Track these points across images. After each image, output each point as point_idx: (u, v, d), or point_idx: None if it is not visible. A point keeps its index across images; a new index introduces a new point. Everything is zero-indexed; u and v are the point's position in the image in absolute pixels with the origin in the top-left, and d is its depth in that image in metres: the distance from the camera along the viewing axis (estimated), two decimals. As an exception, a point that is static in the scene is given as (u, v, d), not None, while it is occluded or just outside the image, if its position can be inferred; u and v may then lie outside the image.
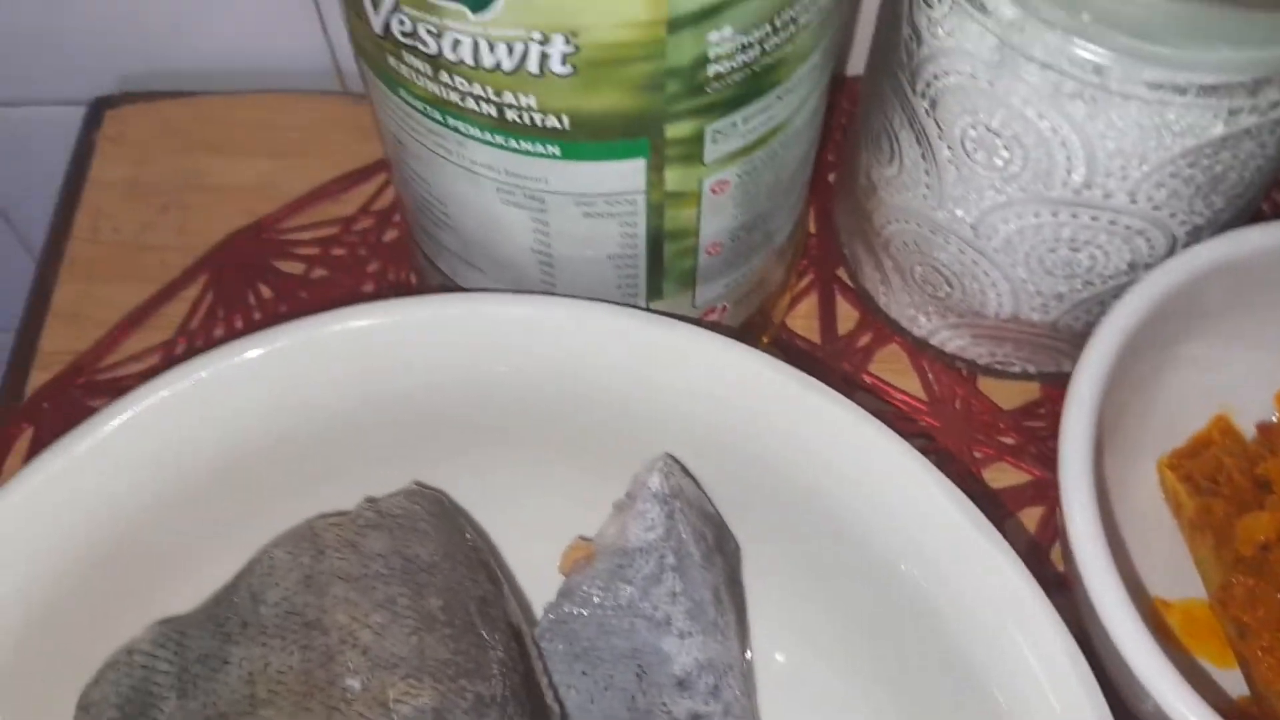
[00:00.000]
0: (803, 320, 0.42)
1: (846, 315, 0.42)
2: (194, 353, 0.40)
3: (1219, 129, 0.29)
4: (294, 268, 0.43)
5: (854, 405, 0.30)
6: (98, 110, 0.47)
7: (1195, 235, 0.33)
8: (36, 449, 0.39)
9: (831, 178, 0.44)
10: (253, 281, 0.42)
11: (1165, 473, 0.36)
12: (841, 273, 0.43)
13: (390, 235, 0.43)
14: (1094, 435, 0.31)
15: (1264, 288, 0.35)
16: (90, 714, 0.28)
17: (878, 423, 0.30)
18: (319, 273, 0.43)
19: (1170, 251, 0.33)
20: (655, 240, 0.31)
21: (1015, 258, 0.35)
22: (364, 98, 0.47)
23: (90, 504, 0.29)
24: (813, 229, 0.44)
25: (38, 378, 0.41)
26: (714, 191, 0.30)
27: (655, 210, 0.30)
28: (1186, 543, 0.35)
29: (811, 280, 0.42)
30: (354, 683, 0.27)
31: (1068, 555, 0.31)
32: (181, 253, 0.43)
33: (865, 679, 0.32)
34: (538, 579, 0.34)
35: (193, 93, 0.47)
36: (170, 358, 0.41)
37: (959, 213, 0.34)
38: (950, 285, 0.37)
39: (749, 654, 0.33)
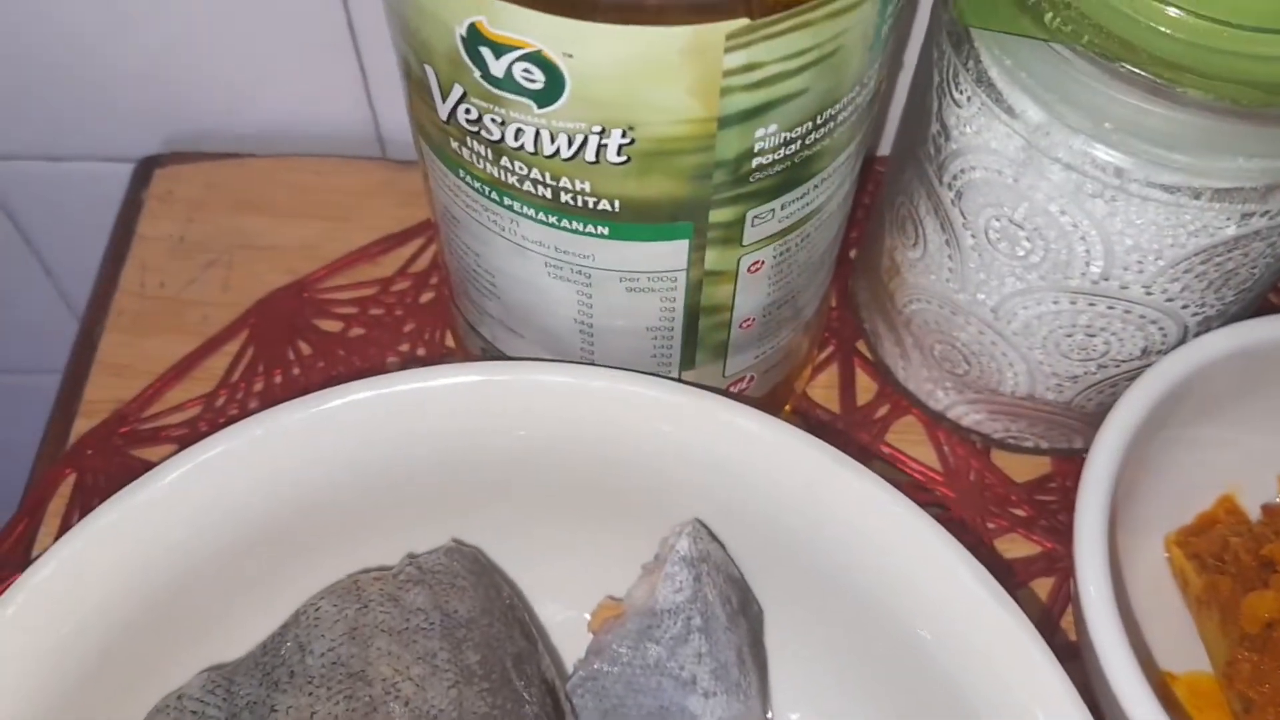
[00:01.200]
0: (823, 390, 0.43)
1: (865, 387, 0.43)
2: (234, 405, 0.42)
3: (1231, 230, 0.31)
4: (332, 326, 0.44)
5: (875, 476, 0.31)
6: (147, 168, 0.48)
7: (1205, 324, 0.35)
8: (79, 494, 0.40)
9: (853, 254, 0.46)
10: (292, 338, 0.44)
11: (1173, 550, 0.37)
12: (861, 345, 0.44)
13: (426, 297, 0.45)
14: (1108, 510, 0.32)
15: (1269, 376, 0.36)
16: (142, 762, 0.29)
17: (898, 494, 0.31)
18: (357, 331, 0.44)
19: (1182, 339, 0.35)
20: (692, 315, 0.33)
21: (1033, 341, 0.36)
22: (405, 165, 0.49)
23: (145, 554, 0.30)
24: (834, 302, 0.45)
25: (81, 425, 0.42)
26: (750, 271, 0.32)
27: (694, 287, 0.31)
28: (1193, 618, 0.36)
29: (832, 352, 0.44)
30: (397, 734, 0.29)
31: (1080, 624, 0.32)
32: (225, 308, 0.45)
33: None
34: (569, 637, 0.35)
35: (239, 155, 0.48)
36: (211, 409, 0.42)
37: (980, 296, 0.36)
38: (969, 363, 0.39)
39: (770, 714, 0.34)
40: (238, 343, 0.44)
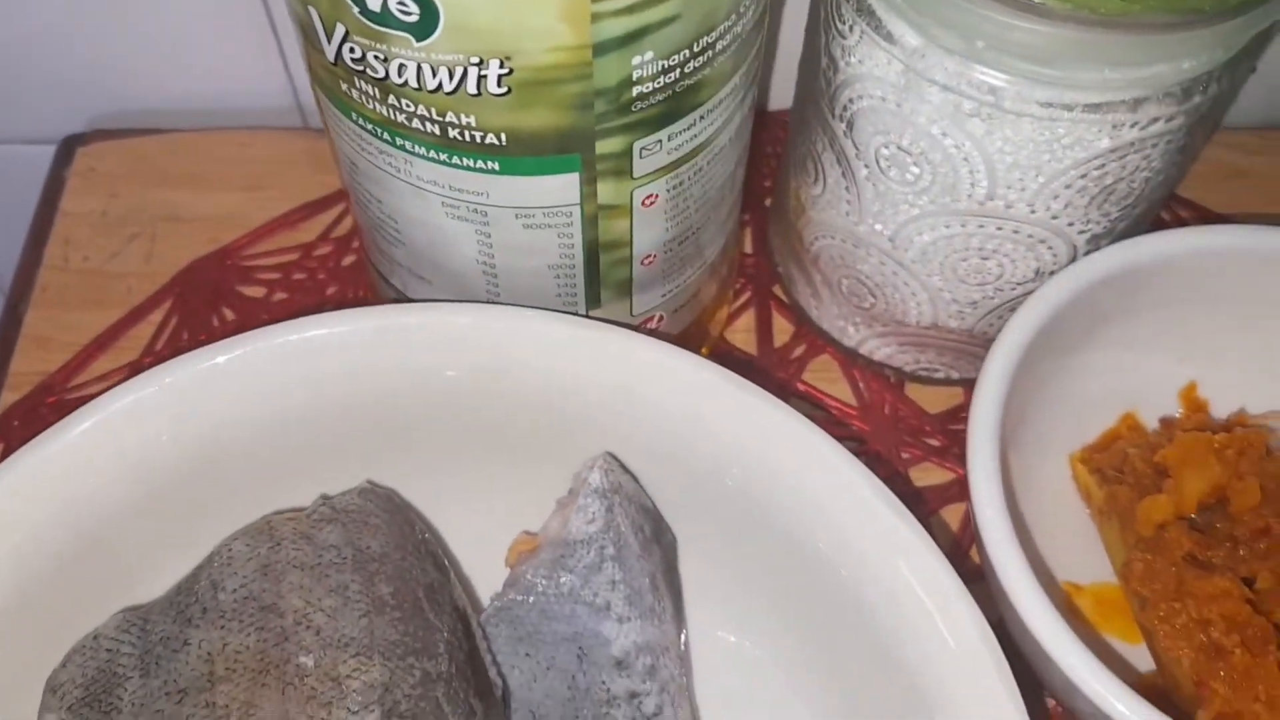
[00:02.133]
0: (741, 334, 0.44)
1: (782, 329, 0.44)
2: (160, 370, 0.42)
3: (1105, 142, 0.32)
4: (256, 292, 0.45)
5: (783, 404, 0.32)
6: (69, 147, 0.49)
7: (1095, 243, 0.36)
8: (7, 465, 0.41)
9: (768, 202, 0.47)
10: (216, 305, 0.44)
11: (1077, 466, 0.38)
12: (777, 290, 0.45)
13: (348, 260, 0.46)
14: (999, 429, 0.33)
15: (1162, 293, 0.37)
16: (58, 695, 0.29)
17: (804, 419, 0.32)
18: (280, 296, 0.45)
19: (1072, 259, 0.36)
20: (591, 251, 0.33)
21: (931, 267, 0.37)
22: (324, 132, 0.49)
23: (59, 502, 0.31)
24: (750, 250, 0.46)
25: (8, 398, 0.42)
26: (644, 205, 0.33)
27: (590, 222, 0.32)
28: (1097, 530, 0.37)
29: (749, 297, 0.45)
30: (307, 660, 0.29)
31: (979, 540, 0.33)
32: (148, 279, 0.45)
33: (796, 656, 0.34)
34: (486, 573, 0.36)
35: (161, 130, 0.49)
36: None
37: (878, 227, 0.37)
38: (874, 296, 0.40)
39: (685, 637, 0.35)
40: (161, 312, 0.44)
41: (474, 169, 0.30)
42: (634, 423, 0.34)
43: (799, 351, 0.44)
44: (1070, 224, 0.35)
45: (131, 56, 0.48)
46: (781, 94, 0.50)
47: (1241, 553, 0.33)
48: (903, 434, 0.42)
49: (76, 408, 0.41)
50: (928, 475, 0.41)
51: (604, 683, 0.33)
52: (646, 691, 0.33)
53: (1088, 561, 0.37)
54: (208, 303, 0.44)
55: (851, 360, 0.43)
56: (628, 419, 0.34)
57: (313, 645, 0.29)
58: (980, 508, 0.32)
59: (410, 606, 0.31)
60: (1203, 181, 0.47)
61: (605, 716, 0.32)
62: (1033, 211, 0.34)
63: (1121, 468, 0.37)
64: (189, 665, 0.29)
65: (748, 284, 0.45)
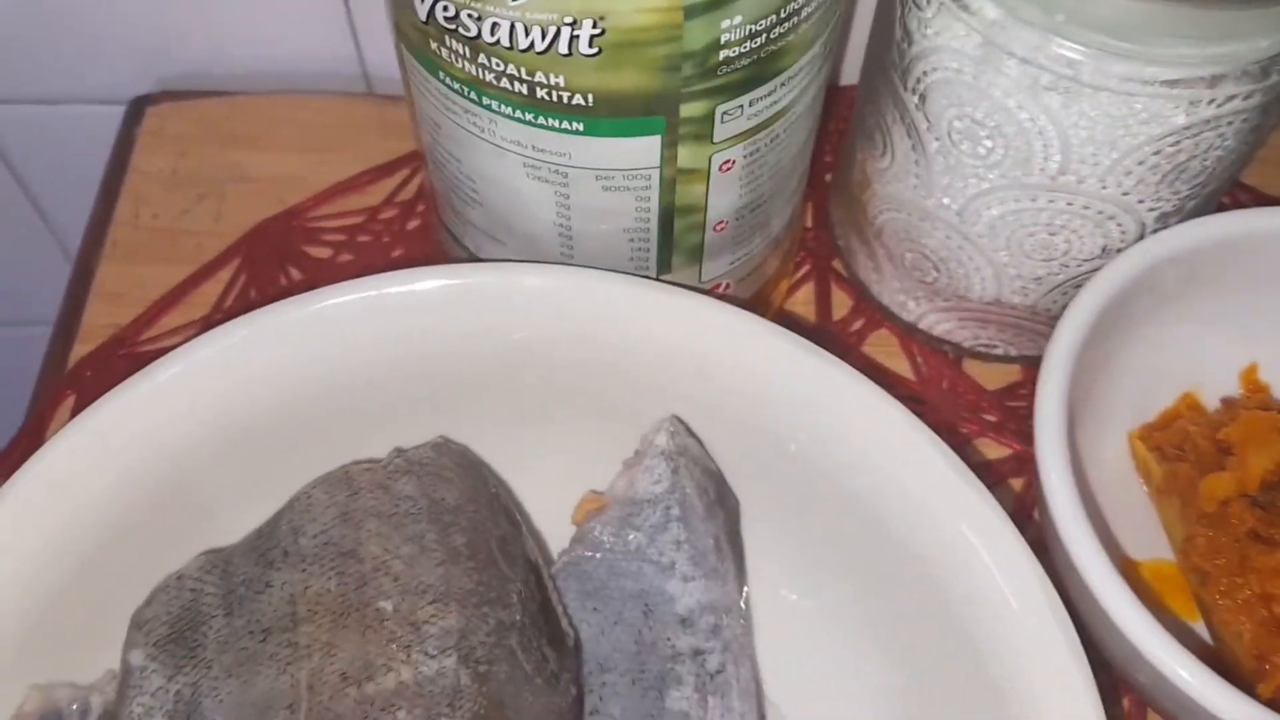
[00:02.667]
0: (800, 307, 0.45)
1: (841, 303, 0.45)
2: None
3: (1181, 119, 0.32)
4: (322, 252, 0.45)
5: (851, 368, 0.33)
6: (139, 107, 0.49)
7: (1163, 221, 0.36)
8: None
9: (828, 178, 0.47)
10: (283, 264, 0.45)
11: (1136, 444, 0.38)
12: (837, 264, 0.45)
13: (413, 224, 0.46)
14: (1066, 401, 0.34)
15: (1227, 273, 0.37)
16: (143, 631, 0.30)
17: (872, 384, 0.32)
18: (345, 257, 0.45)
19: (1140, 237, 0.36)
20: (667, 215, 0.34)
21: (997, 242, 0.37)
22: (390, 99, 0.50)
23: (144, 447, 0.32)
24: (810, 224, 0.46)
25: (79, 350, 0.43)
26: (722, 170, 0.33)
27: (668, 186, 0.33)
28: (1155, 507, 0.38)
29: (809, 271, 0.45)
30: (386, 605, 0.30)
31: (1044, 511, 0.33)
32: (217, 238, 0.46)
33: (857, 616, 0.35)
34: (553, 530, 0.36)
35: (229, 93, 0.50)
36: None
37: (946, 200, 0.37)
38: (937, 270, 0.40)
39: (747, 597, 0.36)
40: (230, 270, 0.45)
41: (558, 129, 0.31)
42: (701, 386, 0.34)
43: (858, 325, 0.44)
44: (1141, 201, 0.35)
45: (200, 20, 0.49)
46: (846, 70, 0.50)
47: (1303, 527, 0.34)
48: (960, 409, 0.42)
49: (149, 360, 0.41)
50: (985, 450, 0.41)
51: (669, 639, 0.33)
52: (710, 649, 0.33)
53: (1145, 539, 0.38)
54: (275, 262, 0.45)
55: (910, 335, 0.44)
56: (695, 382, 0.34)
57: (391, 591, 0.30)
58: (1046, 473, 0.32)
59: (484, 557, 0.32)
60: (1265, 167, 0.47)
61: (670, 672, 0.33)
62: (1104, 188, 0.34)
63: (1182, 446, 0.37)
64: (272, 606, 0.30)
65: (807, 257, 0.46)
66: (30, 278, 0.62)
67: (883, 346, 0.44)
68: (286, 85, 0.50)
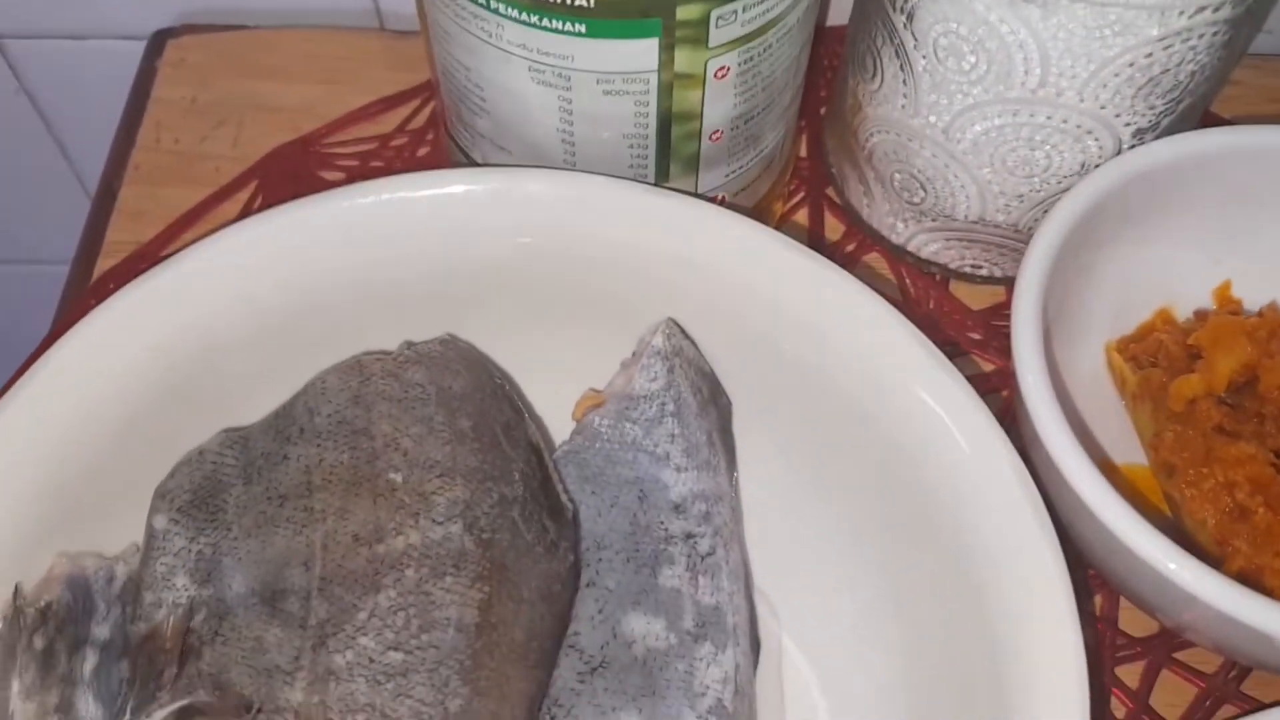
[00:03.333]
0: (793, 233, 0.46)
1: (833, 229, 0.46)
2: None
3: (1153, 30, 0.34)
4: (335, 176, 0.47)
5: (843, 271, 0.34)
6: (160, 40, 0.51)
7: (1139, 138, 0.38)
8: (103, 325, 0.43)
9: (823, 111, 0.49)
10: (298, 188, 0.47)
11: (1112, 354, 0.40)
12: (830, 192, 0.47)
13: (423, 151, 0.48)
14: (1041, 305, 0.35)
15: (1202, 191, 0.39)
16: (166, 499, 0.32)
17: (863, 285, 0.34)
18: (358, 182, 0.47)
19: (1117, 153, 0.38)
20: (664, 121, 0.36)
21: (981, 159, 0.39)
22: (401, 34, 0.52)
23: (171, 327, 0.33)
24: (805, 155, 0.48)
25: (104, 264, 0.45)
26: (717, 76, 0.35)
27: (665, 90, 0.34)
28: (1130, 414, 0.39)
29: (803, 198, 0.47)
30: (396, 477, 0.32)
31: (1020, 410, 0.35)
32: (235, 162, 0.48)
33: (841, 507, 0.36)
34: (555, 426, 0.38)
35: (247, 26, 0.51)
36: (224, 250, 0.45)
37: (932, 118, 0.39)
38: (924, 190, 0.42)
39: (737, 489, 0.38)
40: (247, 192, 0.47)
41: (562, 32, 0.33)
42: (696, 290, 0.36)
43: (849, 248, 0.46)
44: (1117, 115, 0.37)
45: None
46: (837, 11, 0.52)
47: (1269, 427, 0.35)
48: (946, 328, 0.44)
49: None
50: (968, 367, 0.43)
51: (663, 523, 0.35)
52: (701, 534, 0.35)
53: (1122, 446, 0.40)
54: (289, 185, 0.47)
55: (899, 258, 0.45)
56: (691, 286, 0.36)
57: (401, 465, 0.32)
58: (1023, 376, 0.34)
59: (489, 439, 0.34)
60: (1244, 105, 0.49)
61: (663, 552, 0.35)
62: (1081, 100, 0.36)
63: (1156, 355, 0.39)
64: (288, 475, 0.32)
65: (801, 185, 0.47)
66: (53, 216, 0.64)
67: (873, 269, 0.45)
68: (303, 20, 0.52)
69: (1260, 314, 0.39)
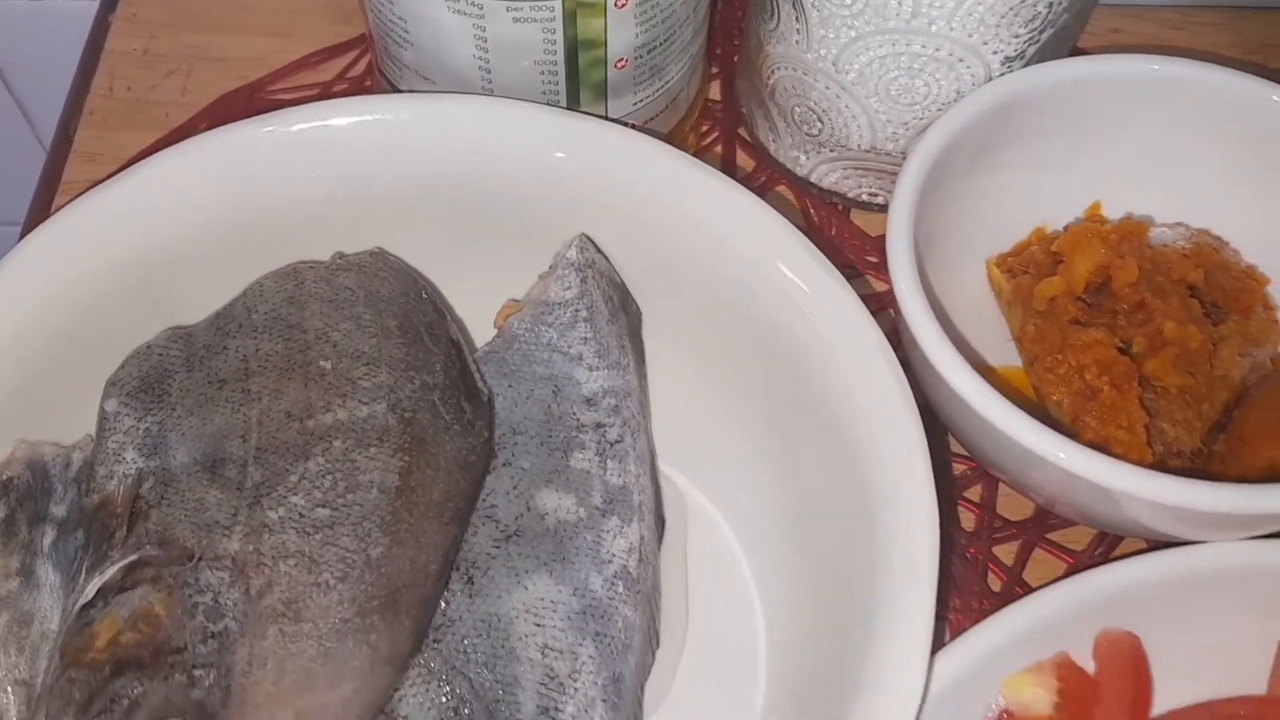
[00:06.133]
0: (708, 168, 0.50)
1: (745, 165, 0.50)
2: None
3: (1009, -39, 0.38)
4: (280, 121, 0.50)
5: (749, 192, 0.38)
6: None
7: (1008, 66, 0.41)
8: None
9: (736, 59, 0.53)
10: (245, 132, 0.50)
11: (991, 268, 0.44)
12: (742, 132, 0.51)
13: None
14: (912, 218, 0.39)
15: (1071, 117, 0.43)
16: (117, 386, 0.35)
17: (767, 207, 0.37)
18: (301, 126, 0.50)
19: (989, 80, 0.42)
20: (571, 48, 0.39)
21: (868, 89, 0.43)
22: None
23: (124, 237, 0.37)
24: (719, 99, 0.52)
25: (60, 202, 0.48)
26: (617, 6, 0.38)
27: (569, 18, 0.38)
28: (1006, 320, 0.43)
29: (716, 137, 0.51)
30: (326, 364, 0.35)
31: (896, 309, 0.39)
32: (184, 108, 0.51)
33: (740, 400, 0.40)
34: (477, 335, 0.42)
35: (195, -16, 0.55)
36: (174, 188, 0.48)
37: (822, 51, 0.43)
38: (821, 121, 0.45)
39: (646, 389, 0.41)
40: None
41: (473, -38, 0.36)
42: (608, 207, 0.40)
43: (759, 182, 0.49)
44: (984, 43, 0.40)
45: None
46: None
47: (1120, 321, 0.39)
48: (846, 251, 0.48)
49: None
50: (863, 287, 0.47)
51: (574, 414, 0.38)
52: (610, 424, 0.39)
53: (1001, 352, 0.43)
54: (237, 129, 0.50)
55: (804, 190, 0.49)
56: (603, 203, 0.40)
57: (330, 355, 0.35)
58: (894, 267, 0.38)
59: (412, 336, 0.37)
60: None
61: (575, 439, 0.38)
62: (951, 29, 0.40)
63: (1028, 266, 0.42)
64: (227, 363, 0.35)
65: (715, 126, 0.51)
66: (12, 176, 0.67)
67: (782, 199, 0.49)
68: (248, -22, 0.55)
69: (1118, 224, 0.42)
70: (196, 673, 0.29)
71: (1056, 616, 0.35)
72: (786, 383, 0.37)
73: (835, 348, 0.36)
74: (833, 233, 0.48)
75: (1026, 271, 0.42)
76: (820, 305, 0.36)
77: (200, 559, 0.31)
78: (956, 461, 0.43)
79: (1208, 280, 0.40)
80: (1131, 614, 0.35)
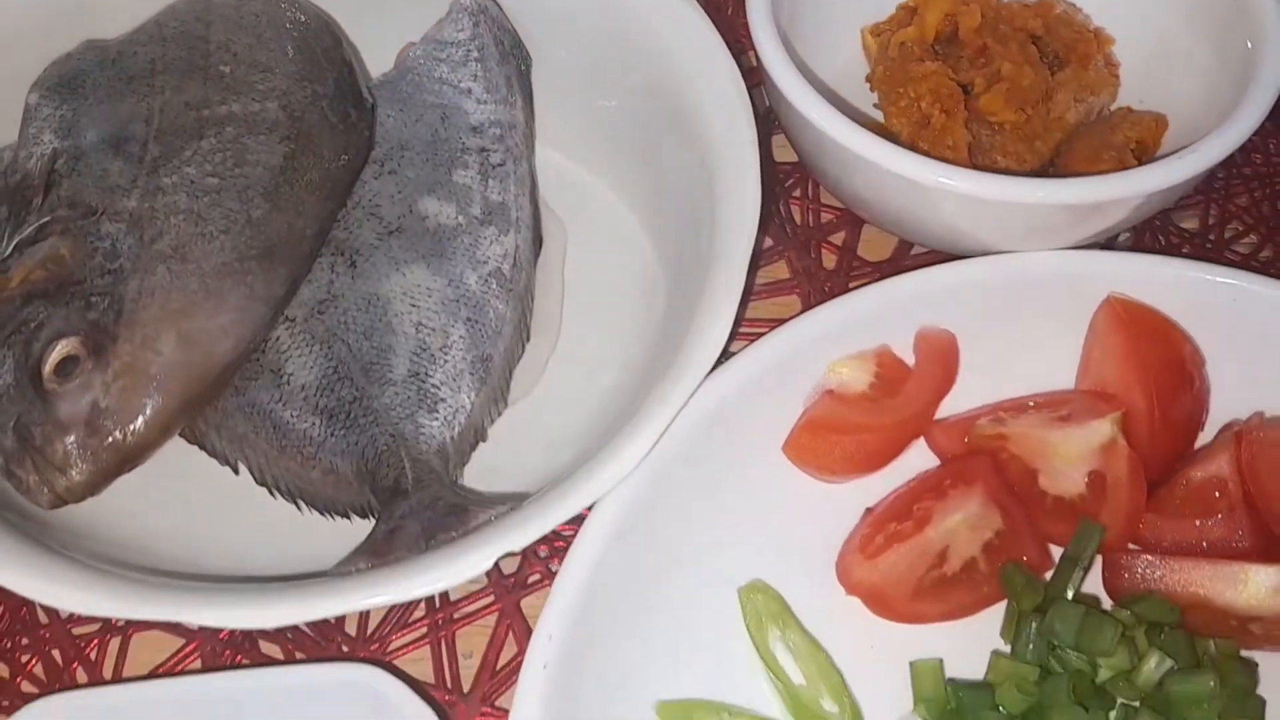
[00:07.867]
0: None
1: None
2: None
3: None
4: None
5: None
6: None
7: None
8: None
9: None
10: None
11: (865, 35, 0.47)
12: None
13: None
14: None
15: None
16: (38, 85, 0.39)
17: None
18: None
19: None
20: None
21: None
22: None
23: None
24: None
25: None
26: None
27: None
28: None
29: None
30: (226, 69, 0.39)
31: (760, 66, 0.42)
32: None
33: (620, 146, 0.44)
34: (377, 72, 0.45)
35: None
36: None
37: None
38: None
39: (530, 124, 0.45)
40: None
41: None
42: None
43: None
44: None
45: None
46: None
47: (963, 64, 0.43)
48: (737, 29, 0.51)
49: None
50: (746, 62, 0.50)
51: (460, 138, 0.42)
52: (494, 149, 0.42)
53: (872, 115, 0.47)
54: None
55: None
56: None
57: (230, 62, 0.39)
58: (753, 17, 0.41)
59: (309, 55, 0.41)
60: None
61: (459, 159, 0.42)
62: None
63: (895, 27, 0.46)
64: (136, 64, 0.39)
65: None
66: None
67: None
68: None
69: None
70: (94, 299, 0.34)
71: (878, 308, 0.38)
72: (656, 116, 0.41)
73: (696, 78, 0.40)
74: (730, 14, 0.51)
75: (893, 33, 0.46)
76: (689, 42, 0.40)
77: (103, 214, 0.35)
78: (825, 210, 0.47)
79: (1048, 31, 0.43)
80: (948, 313, 0.39)
